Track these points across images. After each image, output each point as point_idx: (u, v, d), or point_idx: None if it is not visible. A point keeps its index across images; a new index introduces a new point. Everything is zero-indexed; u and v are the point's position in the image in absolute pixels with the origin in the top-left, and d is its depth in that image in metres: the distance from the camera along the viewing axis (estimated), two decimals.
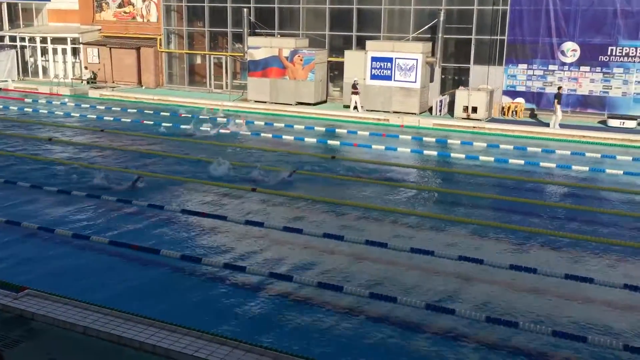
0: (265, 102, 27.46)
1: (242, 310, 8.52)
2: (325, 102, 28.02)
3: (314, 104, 27.00)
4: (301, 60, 26.78)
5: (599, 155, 18.80)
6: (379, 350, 7.63)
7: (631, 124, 22.49)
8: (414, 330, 8.11)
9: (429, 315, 8.39)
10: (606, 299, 9.13)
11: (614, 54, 23.33)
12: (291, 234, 11.34)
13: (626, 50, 23.10)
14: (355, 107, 25.04)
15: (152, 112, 25.88)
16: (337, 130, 22.39)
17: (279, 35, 28.75)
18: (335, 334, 7.95)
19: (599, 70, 23.64)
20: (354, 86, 24.85)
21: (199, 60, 32.46)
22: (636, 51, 22.96)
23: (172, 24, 32.14)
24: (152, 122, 23.18)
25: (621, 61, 23.27)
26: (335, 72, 28.25)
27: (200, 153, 18.17)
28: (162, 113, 25.63)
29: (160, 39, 31.98)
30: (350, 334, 7.98)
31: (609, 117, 23.22)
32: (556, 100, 22.13)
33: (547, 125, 22.61)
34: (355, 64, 25.76)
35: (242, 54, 29.46)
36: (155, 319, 7.53)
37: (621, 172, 16.72)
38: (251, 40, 28.05)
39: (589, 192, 14.94)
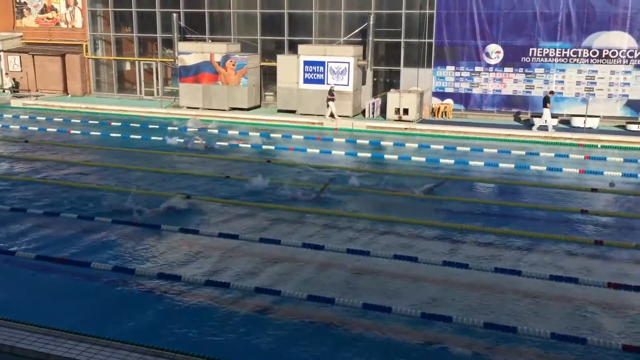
0: (198, 108, 27.11)
1: (175, 322, 8.37)
2: (259, 107, 27.94)
3: (248, 109, 26.87)
4: (233, 65, 26.61)
5: (523, 153, 19.59)
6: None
7: (553, 121, 23.50)
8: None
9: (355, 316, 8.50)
10: (536, 290, 9.50)
11: (535, 55, 24.38)
12: (226, 239, 11.25)
13: (546, 51, 24.19)
14: (332, 115, 24.75)
15: (79, 120, 25.10)
16: (271, 135, 22.35)
17: (210, 41, 28.47)
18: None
19: (522, 71, 24.65)
20: (330, 92, 24.86)
21: (128, 67, 31.68)
22: (555, 52, 24.08)
23: (98, 29, 31.24)
24: (79, 132, 22.50)
25: (542, 62, 24.34)
26: (269, 76, 28.24)
27: (139, 163, 17.75)
28: (90, 121, 24.91)
29: (86, 45, 31.03)
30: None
31: (532, 116, 24.23)
32: (546, 104, 22.31)
33: (476, 124, 23.37)
34: (288, 68, 25.82)
35: (172, 60, 28.98)
36: (86, 335, 7.29)
37: (544, 168, 17.48)
38: (182, 46, 27.63)
39: (515, 188, 15.52)
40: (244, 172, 16.77)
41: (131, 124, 24.14)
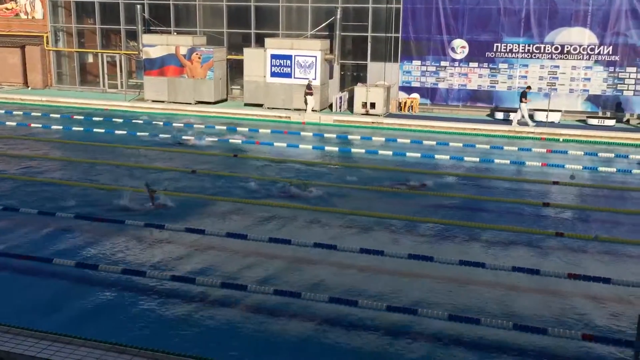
0: (163, 102, 26.75)
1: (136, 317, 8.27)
2: (225, 100, 27.72)
3: (214, 103, 26.63)
4: (199, 58, 26.31)
5: (488, 147, 19.87)
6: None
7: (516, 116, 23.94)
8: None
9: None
10: (498, 281, 9.67)
11: (499, 50, 24.74)
12: (193, 234, 11.15)
13: (510, 46, 24.56)
14: (313, 109, 24.68)
15: (40, 114, 24.53)
16: (238, 128, 22.20)
17: (175, 33, 28.09)
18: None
19: (486, 66, 24.99)
20: (309, 87, 24.71)
21: (90, 59, 31.06)
22: (519, 47, 24.47)
23: (59, 21, 30.52)
24: (40, 125, 22.01)
25: (506, 57, 24.72)
26: (235, 69, 28.02)
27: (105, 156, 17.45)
28: (51, 115, 24.37)
29: (47, 37, 30.28)
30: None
31: (496, 111, 24.61)
32: (522, 99, 22.61)
33: (442, 119, 23.63)
34: (255, 61, 25.67)
35: (137, 52, 28.51)
36: (46, 332, 7.14)
37: (508, 161, 17.78)
38: (146, 38, 27.20)
39: (479, 182, 15.74)
40: (211, 166, 16.63)
41: (94, 118, 23.69)
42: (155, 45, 26.77)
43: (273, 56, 25.37)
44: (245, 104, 26.15)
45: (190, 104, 26.45)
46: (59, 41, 30.82)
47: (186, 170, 16.05)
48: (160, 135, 20.39)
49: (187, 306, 8.64)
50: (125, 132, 20.91)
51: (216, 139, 20.08)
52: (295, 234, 11.38)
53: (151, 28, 28.49)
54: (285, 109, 25.23)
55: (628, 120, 23.71)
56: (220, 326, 8.13)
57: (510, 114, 23.47)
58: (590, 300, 9.16)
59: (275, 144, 19.77)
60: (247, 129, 22.16)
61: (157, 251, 10.68)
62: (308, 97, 24.54)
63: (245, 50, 26.31)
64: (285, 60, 25.31)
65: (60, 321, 7.96)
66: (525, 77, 24.60)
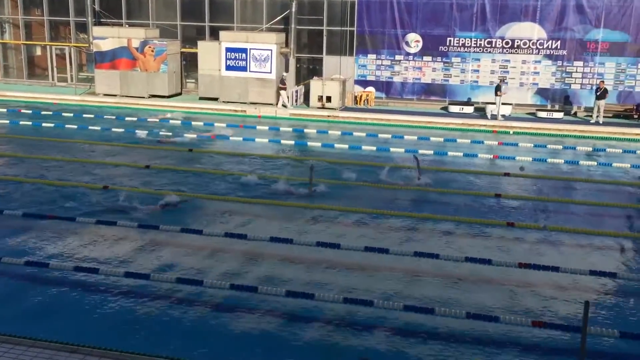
0: (115, 96, 26.17)
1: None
2: (180, 94, 27.32)
3: (169, 97, 26.23)
4: (152, 51, 25.84)
5: (442, 140, 20.19)
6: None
7: (469, 109, 24.42)
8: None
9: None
10: (452, 272, 9.87)
11: (452, 44, 25.12)
12: (147, 229, 10.99)
13: (462, 40, 24.97)
14: (284, 105, 24.41)
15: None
16: (193, 123, 21.93)
17: (127, 25, 27.49)
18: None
19: (440, 60, 25.34)
20: (282, 81, 24.43)
21: (39, 52, 30.11)
22: (471, 42, 24.90)
23: (5, 12, 29.48)
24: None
25: (458, 51, 25.12)
26: (189, 62, 27.62)
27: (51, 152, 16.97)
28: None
29: None
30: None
31: (449, 104, 25.03)
32: (497, 92, 22.92)
33: (397, 112, 23.89)
34: (210, 54, 25.37)
35: (87, 45, 27.79)
36: None
37: (461, 154, 18.12)
38: (97, 30, 26.55)
39: (433, 174, 15.93)
40: (164, 161, 16.41)
41: (42, 112, 23.01)
42: (106, 38, 26.14)
43: (228, 49, 25.12)
44: (200, 98, 25.84)
45: (143, 97, 25.97)
46: (5, 33, 29.78)
47: (139, 165, 15.80)
48: (114, 130, 19.99)
49: (140, 304, 8.52)
50: (75, 126, 20.41)
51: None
52: (250, 229, 11.35)
53: (102, 20, 27.81)
54: (241, 102, 25.04)
55: (575, 113, 24.45)
56: (170, 322, 8.05)
57: (488, 105, 23.76)
58: (540, 288, 9.44)
59: (231, 138, 19.61)
60: (202, 123, 21.92)
61: (108, 248, 10.48)
62: (282, 91, 24.43)
63: (200, 43, 25.97)
64: (240, 54, 25.09)
65: (8, 321, 7.74)
66: (478, 71, 25.06)
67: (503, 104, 23.66)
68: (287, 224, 11.86)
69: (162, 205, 12.34)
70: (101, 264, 9.62)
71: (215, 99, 25.47)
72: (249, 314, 8.34)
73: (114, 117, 22.42)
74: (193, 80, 27.85)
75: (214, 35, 26.42)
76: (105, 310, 8.29)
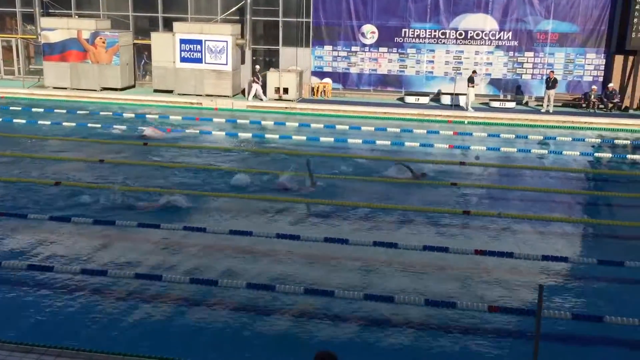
0: (66, 89, 25.45)
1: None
2: (133, 86, 26.76)
3: (121, 89, 25.67)
4: (103, 42, 25.21)
5: (398, 130, 20.39)
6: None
7: (424, 99, 24.72)
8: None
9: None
10: (411, 260, 10.02)
11: (407, 35, 25.34)
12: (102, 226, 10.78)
13: (417, 32, 25.21)
14: (255, 96, 24.12)
15: None
16: (148, 116, 21.53)
17: (77, 16, 26.72)
18: None
19: (395, 51, 25.54)
20: (255, 74, 24.07)
21: None
22: (426, 33, 25.17)
23: None
24: None
25: (414, 42, 25.36)
26: (144, 54, 27.05)
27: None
28: None
29: None
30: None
31: (405, 95, 25.28)
32: (468, 83, 23.17)
33: (354, 103, 24.00)
34: (164, 46, 24.91)
35: (35, 37, 26.90)
36: None
37: (417, 144, 18.35)
38: (45, 22, 25.72)
39: (391, 165, 16.09)
40: (118, 156, 16.09)
41: None
42: (55, 29, 25.37)
43: (182, 41, 24.71)
44: (155, 90, 25.38)
45: (95, 90, 25.35)
46: None
47: (94, 159, 15.46)
48: (64, 124, 19.46)
49: (93, 300, 8.36)
50: (24, 120, 19.81)
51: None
52: (205, 222, 11.27)
53: (50, 11, 26.95)
54: (197, 95, 24.71)
55: (527, 103, 25.04)
56: (124, 319, 7.94)
57: (460, 97, 23.94)
58: (496, 274, 9.68)
59: (186, 130, 19.36)
60: (157, 116, 21.56)
61: (60, 245, 10.23)
62: (254, 84, 24.18)
63: (153, 34, 25.47)
64: (195, 45, 24.72)
65: None
66: (432, 62, 25.36)
67: (457, 94, 24.05)
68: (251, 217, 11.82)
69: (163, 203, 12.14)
70: (55, 262, 9.39)
71: (170, 92, 25.06)
72: (209, 308, 8.29)
73: (64, 111, 21.81)
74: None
75: (168, 26, 25.95)
76: (61, 308, 8.10)
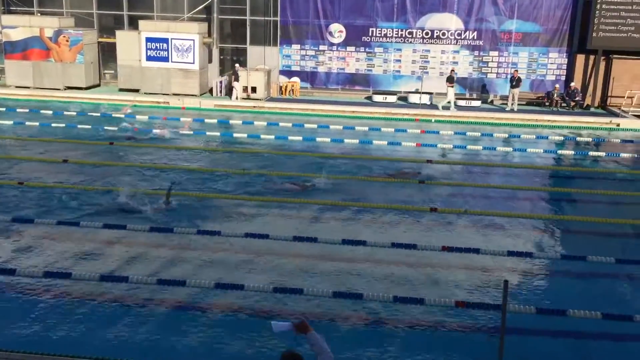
0: (28, 88, 24.90)
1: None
2: (98, 85, 26.33)
3: (86, 88, 25.23)
4: (67, 41, 24.73)
5: (366, 129, 20.49)
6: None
7: (392, 98, 24.91)
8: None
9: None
10: (379, 257, 10.10)
11: (374, 34, 25.49)
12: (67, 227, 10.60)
13: (385, 31, 25.38)
14: (237, 97, 23.94)
15: None
16: (113, 114, 21.20)
17: (39, 14, 26.16)
18: None
19: (363, 50, 25.67)
20: (235, 74, 23.78)
21: None
22: (393, 32, 25.36)
23: None
24: None
25: (381, 41, 25.53)
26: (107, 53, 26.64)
27: None
28: None
29: None
30: None
31: (373, 93, 25.43)
32: (447, 83, 23.34)
33: (322, 102, 24.05)
34: (129, 45, 24.56)
35: None
36: None
37: (385, 142, 18.48)
38: (6, 19, 25.12)
39: (358, 163, 16.21)
40: (83, 157, 15.84)
41: None
42: (16, 27, 24.79)
43: (148, 39, 24.40)
44: (120, 89, 25.01)
45: (59, 89, 24.86)
46: None
47: (57, 160, 15.18)
48: (28, 123, 19.05)
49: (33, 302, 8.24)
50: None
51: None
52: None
53: (12, 9, 26.34)
54: (164, 94, 24.44)
55: (492, 101, 25.44)
56: (63, 320, 7.85)
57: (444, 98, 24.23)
58: (463, 270, 9.83)
59: (154, 130, 19.13)
60: (124, 115, 21.25)
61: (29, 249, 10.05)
62: (235, 83, 23.95)
63: (118, 33, 25.09)
64: (161, 44, 24.44)
65: None
66: (399, 61, 25.57)
67: (424, 93, 24.30)
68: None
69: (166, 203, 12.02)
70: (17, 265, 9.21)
71: (136, 91, 24.73)
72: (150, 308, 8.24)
73: (27, 110, 21.34)
74: (112, 71, 26.88)
75: (133, 24, 25.59)
76: (22, 312, 7.96)
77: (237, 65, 24.75)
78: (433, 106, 24.11)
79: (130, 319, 7.98)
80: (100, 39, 26.28)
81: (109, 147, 16.99)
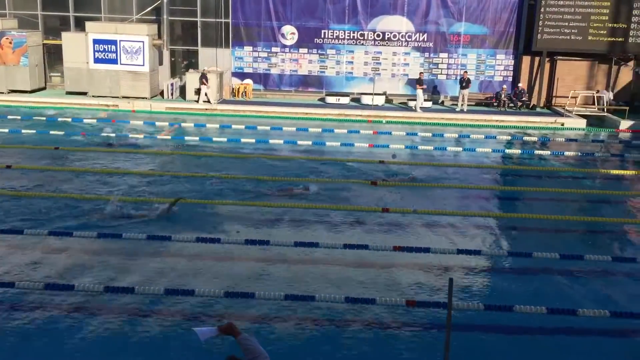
0: None
1: None
2: (44, 89, 25.60)
3: (31, 92, 24.48)
4: (10, 43, 23.95)
5: (320, 130, 20.55)
6: None
7: (345, 100, 25.06)
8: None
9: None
10: (330, 258, 10.13)
11: (326, 36, 25.58)
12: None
13: (336, 33, 25.51)
14: (207, 100, 23.44)
15: None
16: (60, 119, 20.64)
17: None
18: None
19: (315, 52, 25.73)
20: (204, 77, 23.33)
21: None
22: (345, 34, 25.51)
23: None
24: None
25: (333, 43, 25.64)
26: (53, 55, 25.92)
27: None
28: None
29: None
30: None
31: (326, 95, 25.53)
32: (417, 85, 23.53)
33: (275, 104, 24.01)
34: (76, 47, 23.96)
35: None
36: None
37: (338, 143, 18.57)
38: None
39: (311, 165, 16.22)
40: (29, 161, 15.37)
41: None
42: None
43: (96, 41, 23.85)
44: (67, 92, 24.37)
45: (2, 92, 24.05)
46: None
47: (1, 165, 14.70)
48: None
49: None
50: None
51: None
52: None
53: None
54: (113, 96, 23.93)
55: (442, 102, 25.89)
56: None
57: (410, 101, 24.46)
58: (414, 269, 9.95)
59: (103, 133, 18.72)
60: (70, 119, 20.72)
61: None
62: (203, 86, 23.55)
63: (64, 34, 24.44)
64: (109, 46, 23.93)
65: None
66: (352, 62, 25.74)
67: (376, 94, 24.53)
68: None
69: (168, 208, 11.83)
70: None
71: (84, 94, 24.14)
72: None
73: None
74: (59, 74, 26.18)
75: (80, 26, 24.98)
76: None
77: (205, 68, 24.40)
78: (386, 107, 24.38)
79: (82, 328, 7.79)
80: (45, 41, 25.56)
81: (55, 150, 16.52)
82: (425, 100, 24.48)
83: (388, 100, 25.50)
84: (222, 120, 21.87)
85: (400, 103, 25.48)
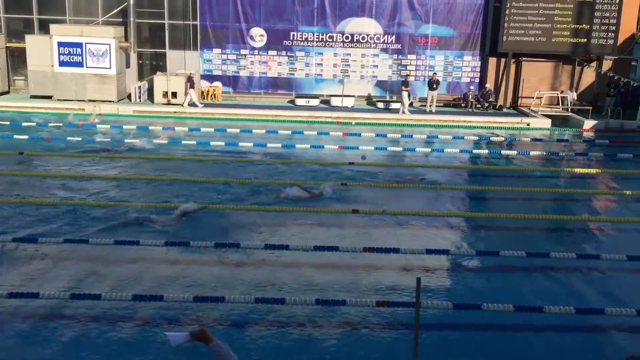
0: None
1: None
2: (8, 92, 25.08)
3: None
4: None
5: (289, 132, 20.54)
6: None
7: (315, 102, 25.11)
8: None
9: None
10: (300, 261, 10.14)
11: (295, 38, 25.62)
12: None
13: (305, 35, 25.56)
14: (193, 104, 23.23)
15: None
16: (23, 123, 20.24)
17: None
18: None
19: (285, 54, 25.74)
20: (191, 80, 23.07)
21: None
22: (314, 36, 25.57)
23: None
24: None
25: (302, 45, 25.68)
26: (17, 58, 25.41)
27: None
28: None
29: None
30: None
31: (296, 97, 25.54)
32: (403, 87, 23.69)
33: (244, 106, 23.91)
34: (40, 49, 23.55)
35: None
36: None
37: (308, 145, 18.59)
38: None
39: (281, 167, 16.21)
40: None
41: None
42: None
43: (60, 44, 23.47)
44: (32, 96, 23.91)
45: None
46: None
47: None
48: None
49: None
50: None
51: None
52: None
53: None
54: (79, 100, 23.56)
55: (412, 103, 26.12)
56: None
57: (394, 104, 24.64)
58: (383, 269, 10.01)
59: (68, 138, 18.40)
60: (35, 124, 20.33)
61: None
62: (190, 90, 23.30)
63: (28, 37, 23.99)
64: (75, 49, 23.57)
65: None
66: (321, 64, 25.81)
67: (346, 96, 24.63)
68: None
69: (179, 215, 11.74)
70: None
71: (49, 97, 23.72)
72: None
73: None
74: (22, 77, 25.67)
75: (44, 29, 24.54)
76: None
77: (192, 72, 24.17)
78: (355, 109, 24.51)
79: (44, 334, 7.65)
80: (8, 44, 25.05)
81: (19, 156, 16.20)
82: (390, 101, 24.74)
83: (371, 103, 25.67)
84: (191, 123, 21.69)
85: (370, 104, 25.62)
